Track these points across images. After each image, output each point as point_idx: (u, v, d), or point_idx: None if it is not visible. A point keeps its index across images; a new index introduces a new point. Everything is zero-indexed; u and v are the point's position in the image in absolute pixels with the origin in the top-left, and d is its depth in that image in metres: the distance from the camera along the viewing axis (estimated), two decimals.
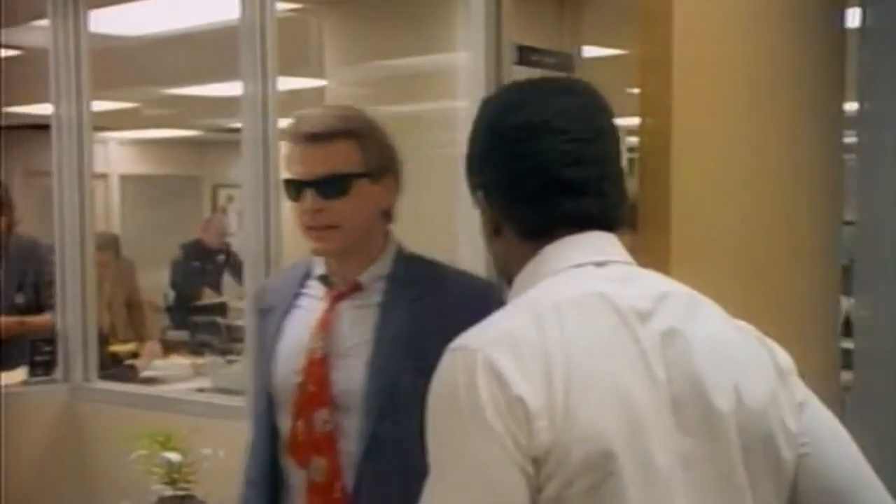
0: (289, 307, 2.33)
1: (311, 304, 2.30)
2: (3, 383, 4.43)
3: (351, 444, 2.20)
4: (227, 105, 9.50)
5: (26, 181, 9.66)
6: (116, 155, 13.20)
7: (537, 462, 1.34)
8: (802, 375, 1.57)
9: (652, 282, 1.51)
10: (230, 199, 13.15)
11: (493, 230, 1.60)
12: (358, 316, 2.25)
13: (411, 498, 2.05)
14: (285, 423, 2.27)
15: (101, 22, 4.35)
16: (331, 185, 2.19)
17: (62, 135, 4.25)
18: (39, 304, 4.81)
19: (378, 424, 2.17)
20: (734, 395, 1.45)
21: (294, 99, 4.30)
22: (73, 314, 4.38)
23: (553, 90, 1.58)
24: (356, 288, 2.27)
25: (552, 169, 1.50)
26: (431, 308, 2.21)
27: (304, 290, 2.34)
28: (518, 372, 1.36)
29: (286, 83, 3.99)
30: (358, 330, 2.24)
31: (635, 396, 1.39)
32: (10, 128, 11.46)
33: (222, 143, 11.92)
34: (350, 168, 2.19)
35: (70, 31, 4.09)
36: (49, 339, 4.40)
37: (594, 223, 1.51)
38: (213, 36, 5.43)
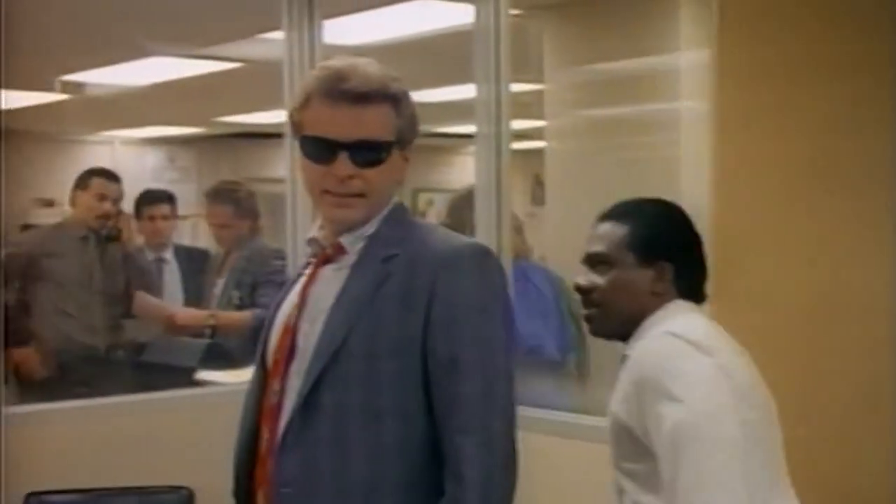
0: (297, 278, 2.23)
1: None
2: (231, 380, 4.60)
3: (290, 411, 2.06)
4: (431, 110, 9.72)
5: None
6: None
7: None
8: None
9: None
10: (430, 203, 13.30)
11: (653, 285, 2.28)
12: (334, 278, 2.11)
13: (337, 469, 2.00)
14: None
15: (333, 32, 4.45)
16: (367, 152, 2.03)
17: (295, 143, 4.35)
18: (253, 302, 4.96)
19: (316, 386, 2.02)
20: None
21: (514, 103, 4.33)
22: None
23: None
24: (340, 250, 2.13)
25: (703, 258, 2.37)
26: (401, 266, 2.04)
27: (312, 260, 2.22)
28: (731, 363, 2.15)
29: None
30: (329, 292, 2.09)
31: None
32: (220, 137, 11.88)
33: (422, 148, 12.07)
34: (386, 135, 2.05)
35: (304, 41, 4.20)
36: None
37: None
38: (440, 42, 5.54)
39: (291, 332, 2.12)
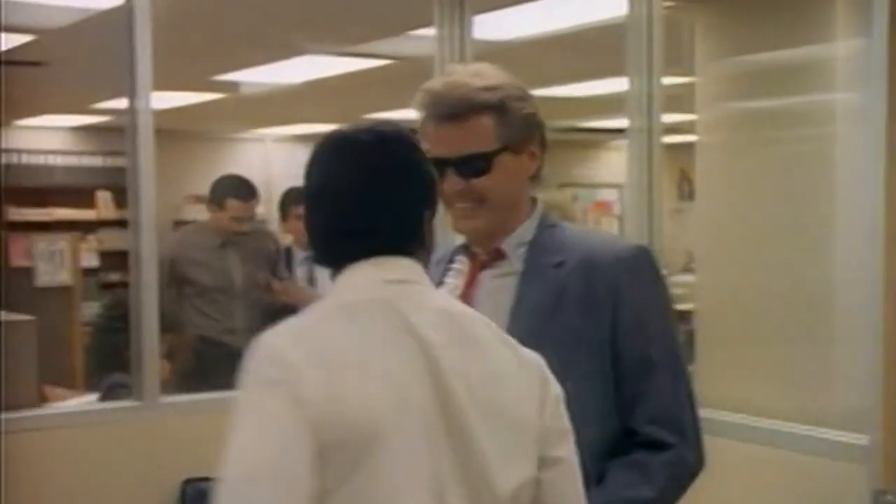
0: (438, 285, 2.19)
1: (456, 278, 2.22)
2: None
3: None
4: (578, 105, 9.69)
5: None
6: None
7: (317, 435, 1.59)
8: None
9: (434, 299, 1.78)
10: (575, 198, 13.27)
11: None
12: (499, 285, 2.16)
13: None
14: None
15: (484, 27, 4.47)
16: (470, 165, 2.11)
17: None
18: None
19: None
20: (490, 403, 1.70)
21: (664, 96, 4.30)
22: None
23: (350, 154, 1.81)
24: (498, 256, 2.18)
25: (335, 222, 1.81)
26: (575, 273, 2.10)
27: (452, 266, 2.24)
28: (300, 360, 1.62)
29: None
30: (498, 299, 2.13)
31: (407, 391, 1.65)
32: None
33: (565, 143, 12.03)
34: (488, 146, 2.10)
35: (455, 37, 4.23)
36: None
37: (377, 253, 1.77)
38: (591, 35, 5.52)
39: None
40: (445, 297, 1.85)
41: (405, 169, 1.81)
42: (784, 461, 3.45)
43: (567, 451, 1.79)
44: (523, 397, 1.74)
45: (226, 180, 5.51)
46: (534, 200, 2.23)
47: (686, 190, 11.28)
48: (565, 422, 1.79)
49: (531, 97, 2.19)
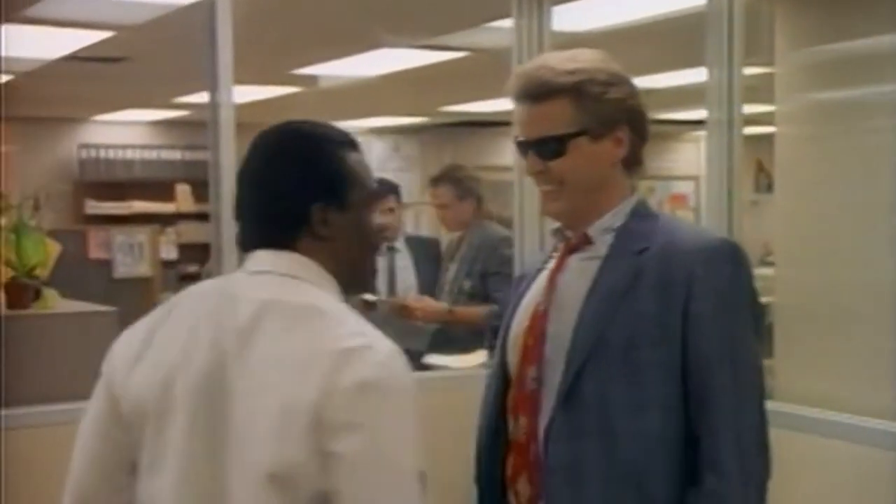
0: (538, 271, 2.30)
1: (553, 263, 2.27)
2: (459, 366, 4.65)
3: (552, 401, 2.11)
4: (655, 96, 9.61)
5: None
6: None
7: (118, 411, 1.87)
8: None
9: (264, 289, 1.83)
10: (651, 190, 13.19)
11: None
12: (583, 268, 2.18)
13: (605, 459, 2.05)
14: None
15: (563, 18, 4.45)
16: (546, 146, 2.14)
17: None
18: (486, 293, 4.97)
19: (577, 378, 2.07)
20: (262, 389, 1.74)
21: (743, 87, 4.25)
22: None
23: (258, 144, 1.94)
24: (586, 240, 2.21)
25: (234, 209, 1.94)
26: (656, 259, 2.10)
27: (554, 253, 2.29)
28: (119, 353, 1.90)
29: None
30: (581, 282, 2.16)
31: (182, 376, 1.80)
32: (443, 126, 12.05)
33: None
34: (564, 128, 2.13)
35: (534, 29, 4.21)
36: None
37: (249, 246, 1.91)
38: (670, 25, 5.48)
39: (542, 317, 2.19)
40: (289, 289, 1.83)
41: (292, 162, 1.89)
42: (866, 458, 3.40)
43: (350, 447, 1.69)
44: (305, 385, 1.70)
45: None
46: (631, 188, 2.25)
47: (763, 181, 11.17)
48: (359, 417, 1.70)
49: (623, 83, 2.20)
